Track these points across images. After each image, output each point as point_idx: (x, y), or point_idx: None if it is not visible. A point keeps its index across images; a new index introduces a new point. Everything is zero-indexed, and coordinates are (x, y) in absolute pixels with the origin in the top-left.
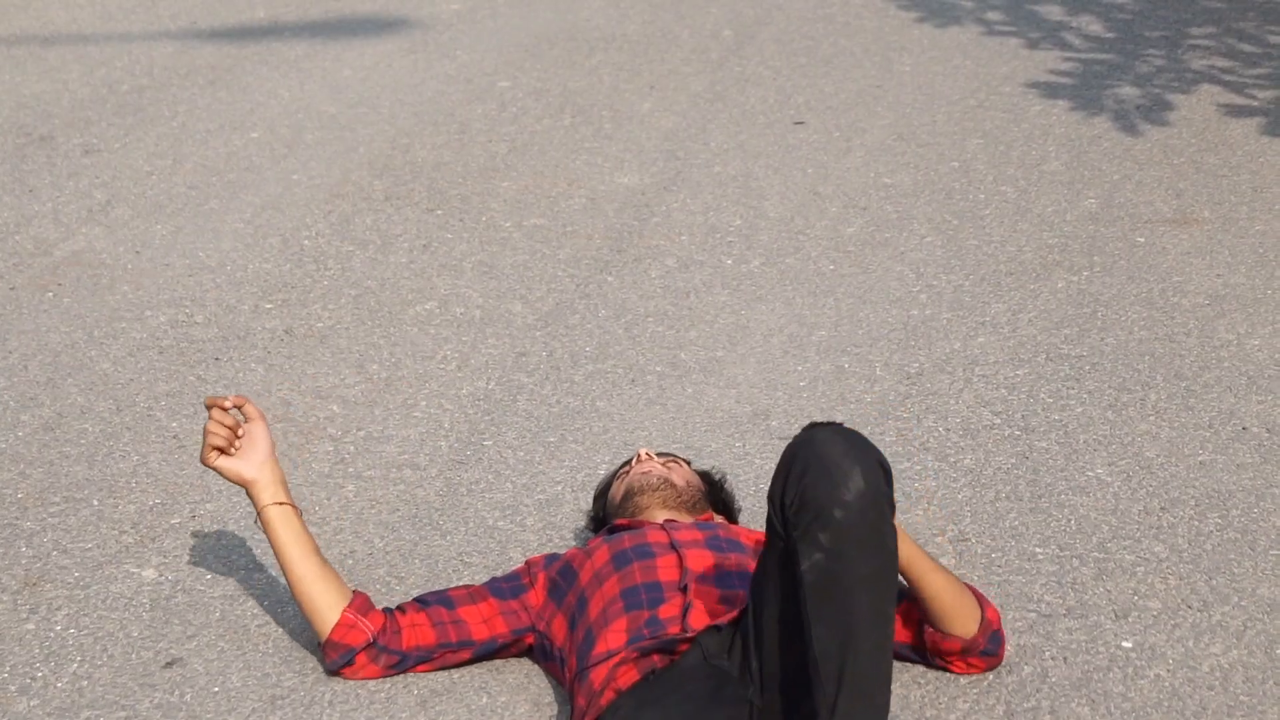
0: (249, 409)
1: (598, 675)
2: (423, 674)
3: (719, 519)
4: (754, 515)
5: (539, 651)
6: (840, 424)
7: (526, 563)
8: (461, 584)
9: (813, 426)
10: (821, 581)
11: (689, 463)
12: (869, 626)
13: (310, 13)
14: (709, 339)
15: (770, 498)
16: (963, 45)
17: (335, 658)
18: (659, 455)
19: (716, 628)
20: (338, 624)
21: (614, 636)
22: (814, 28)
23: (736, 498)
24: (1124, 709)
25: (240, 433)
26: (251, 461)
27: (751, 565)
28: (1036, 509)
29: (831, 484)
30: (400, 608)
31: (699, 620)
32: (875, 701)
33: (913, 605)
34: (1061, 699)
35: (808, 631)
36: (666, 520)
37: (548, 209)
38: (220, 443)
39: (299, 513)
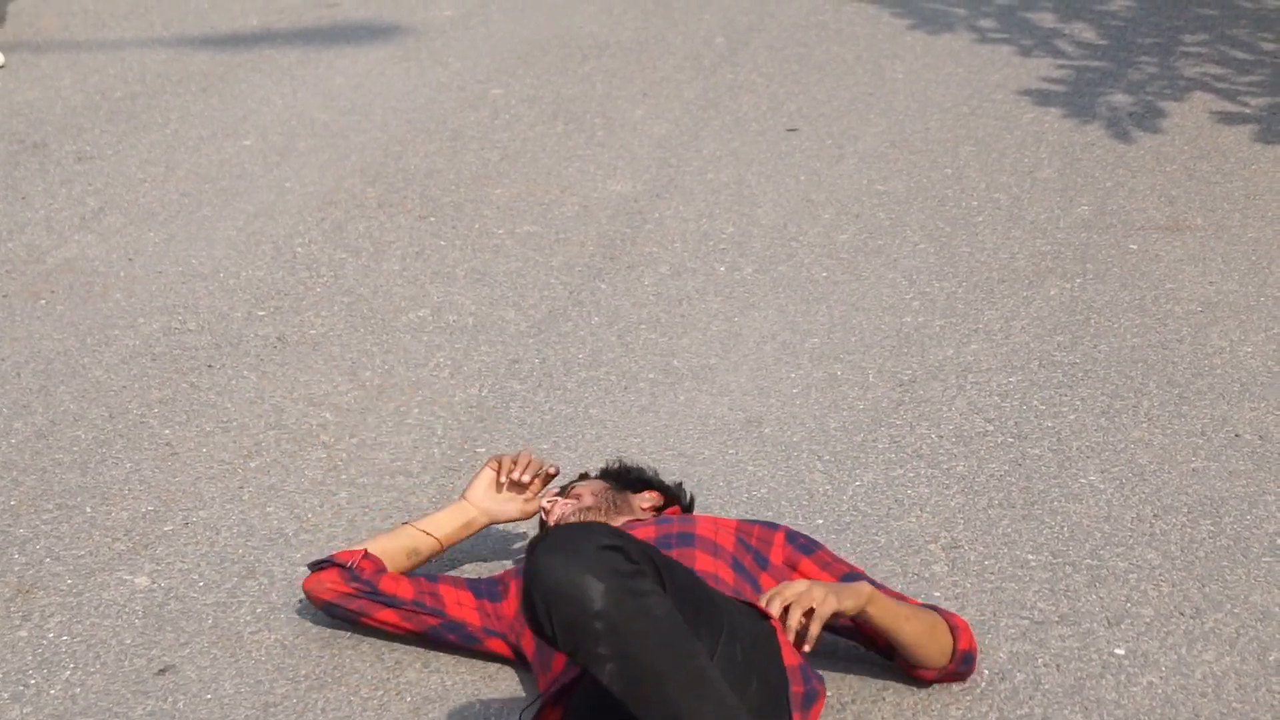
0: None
1: (546, 689)
2: (414, 681)
3: (670, 512)
4: (743, 515)
5: (518, 657)
6: (553, 533)
7: (504, 572)
8: (453, 578)
9: (531, 551)
10: (628, 683)
11: (586, 474)
12: (687, 688)
13: (303, 20)
14: (701, 346)
15: (537, 632)
16: (955, 52)
17: (313, 562)
18: (558, 494)
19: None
20: (343, 552)
21: (557, 663)
22: (806, 35)
23: (643, 465)
24: (1117, 716)
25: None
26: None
27: (698, 558)
28: (1029, 516)
29: (578, 605)
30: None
31: None
32: None
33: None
34: (1054, 706)
35: None
36: (626, 522)
37: (540, 216)
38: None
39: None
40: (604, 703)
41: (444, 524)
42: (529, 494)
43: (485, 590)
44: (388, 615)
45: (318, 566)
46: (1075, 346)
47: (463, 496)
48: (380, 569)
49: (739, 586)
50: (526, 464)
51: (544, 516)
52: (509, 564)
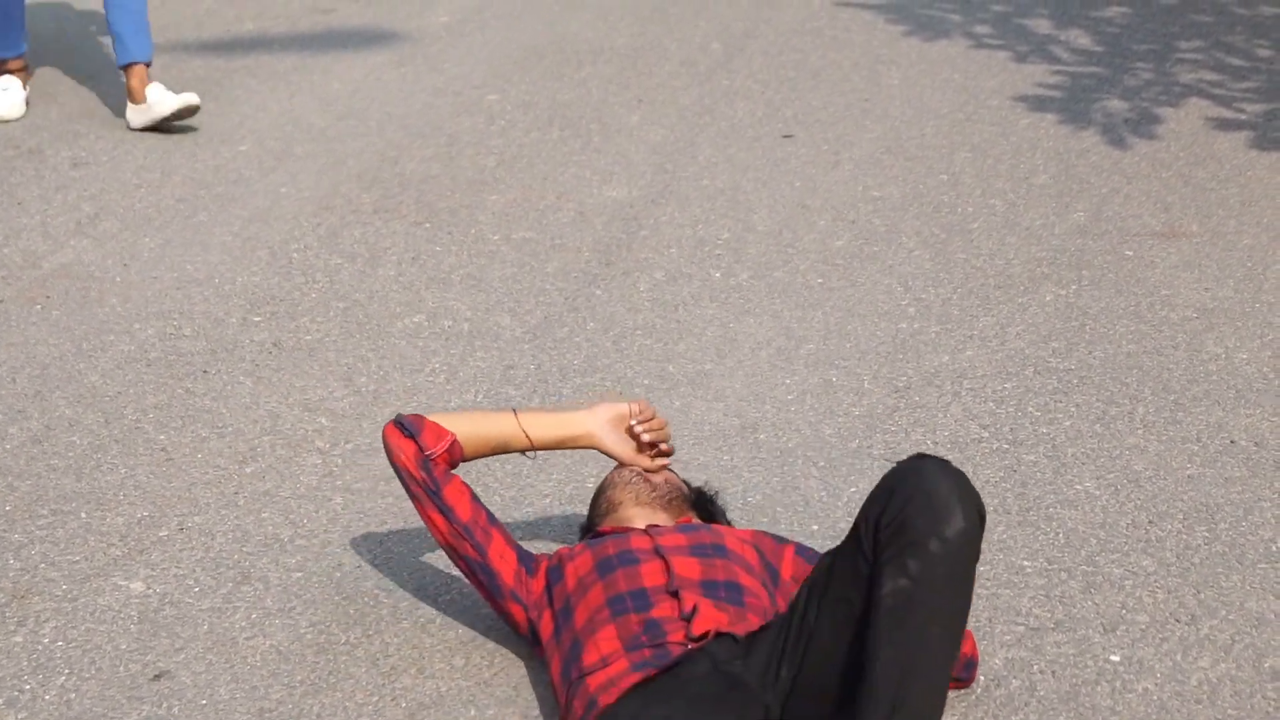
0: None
1: (595, 680)
2: (410, 687)
3: (697, 520)
4: (736, 520)
5: (530, 636)
6: (948, 461)
7: (540, 554)
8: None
9: (921, 457)
10: (901, 607)
11: (681, 479)
12: (936, 660)
13: (299, 26)
14: (697, 352)
15: (865, 517)
16: (951, 59)
17: (403, 417)
18: (654, 459)
19: (733, 637)
20: (435, 426)
21: (605, 643)
22: (802, 41)
23: (725, 513)
24: None
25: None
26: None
27: (739, 573)
28: (1024, 522)
29: (934, 517)
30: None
31: (703, 625)
32: None
33: None
34: (1049, 713)
35: (872, 651)
36: (649, 526)
37: (536, 222)
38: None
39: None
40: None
41: (547, 429)
42: (640, 451)
43: (524, 559)
44: (437, 519)
45: (403, 429)
46: (1070, 353)
47: (589, 408)
48: (455, 462)
49: (775, 602)
50: (660, 430)
51: (646, 475)
52: (544, 547)
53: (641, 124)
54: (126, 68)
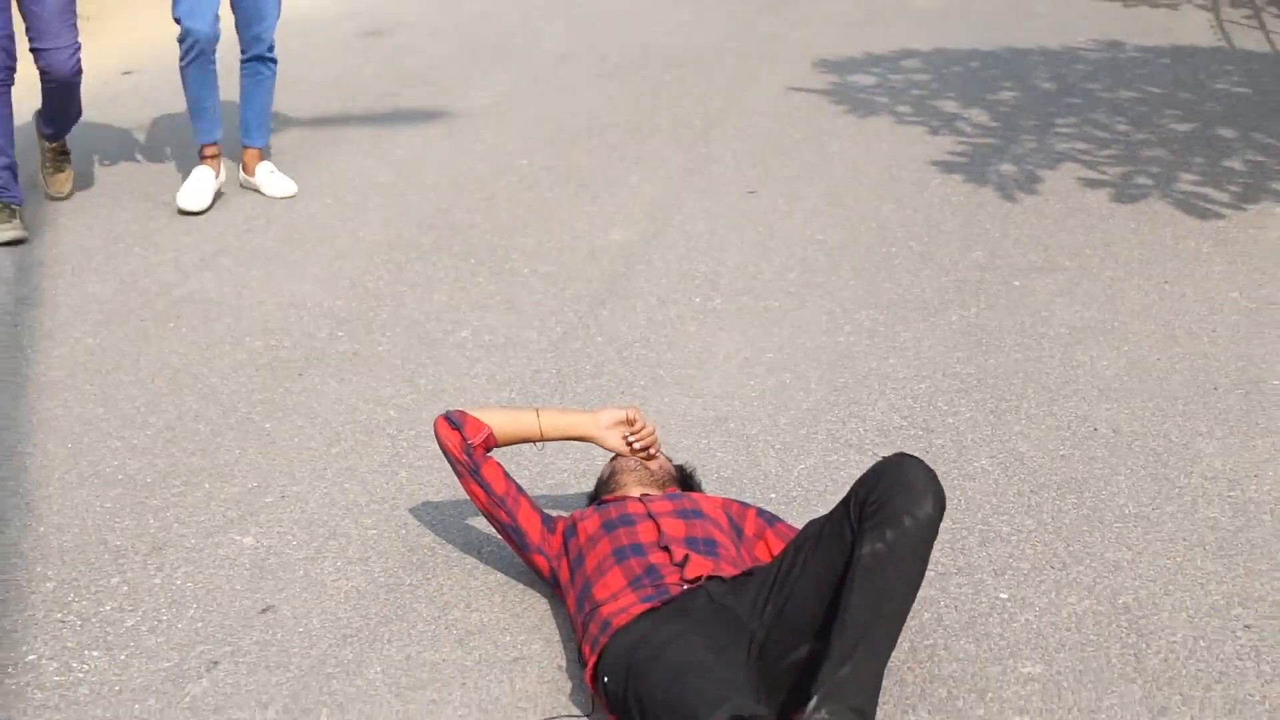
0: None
1: (607, 609)
2: (459, 619)
3: (680, 491)
4: (712, 492)
5: (551, 580)
6: (923, 461)
7: (556, 516)
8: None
9: (903, 455)
10: (876, 566)
11: (669, 460)
12: (897, 609)
13: (372, 106)
14: (681, 360)
15: (854, 495)
16: (879, 132)
17: (450, 413)
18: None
19: (721, 579)
20: (476, 421)
21: (613, 583)
22: (763, 118)
23: (702, 485)
24: (1000, 645)
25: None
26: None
27: (714, 531)
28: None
29: (910, 500)
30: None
31: (696, 570)
32: (880, 665)
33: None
34: (953, 637)
35: (847, 597)
36: (642, 494)
37: (556, 258)
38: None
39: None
40: (655, 634)
41: (560, 428)
42: (631, 449)
43: (545, 521)
44: (477, 491)
45: (450, 422)
46: (971, 360)
47: (594, 413)
48: (490, 448)
49: (740, 554)
50: (650, 437)
51: (644, 460)
52: (557, 514)
53: (639, 182)
54: (246, 148)
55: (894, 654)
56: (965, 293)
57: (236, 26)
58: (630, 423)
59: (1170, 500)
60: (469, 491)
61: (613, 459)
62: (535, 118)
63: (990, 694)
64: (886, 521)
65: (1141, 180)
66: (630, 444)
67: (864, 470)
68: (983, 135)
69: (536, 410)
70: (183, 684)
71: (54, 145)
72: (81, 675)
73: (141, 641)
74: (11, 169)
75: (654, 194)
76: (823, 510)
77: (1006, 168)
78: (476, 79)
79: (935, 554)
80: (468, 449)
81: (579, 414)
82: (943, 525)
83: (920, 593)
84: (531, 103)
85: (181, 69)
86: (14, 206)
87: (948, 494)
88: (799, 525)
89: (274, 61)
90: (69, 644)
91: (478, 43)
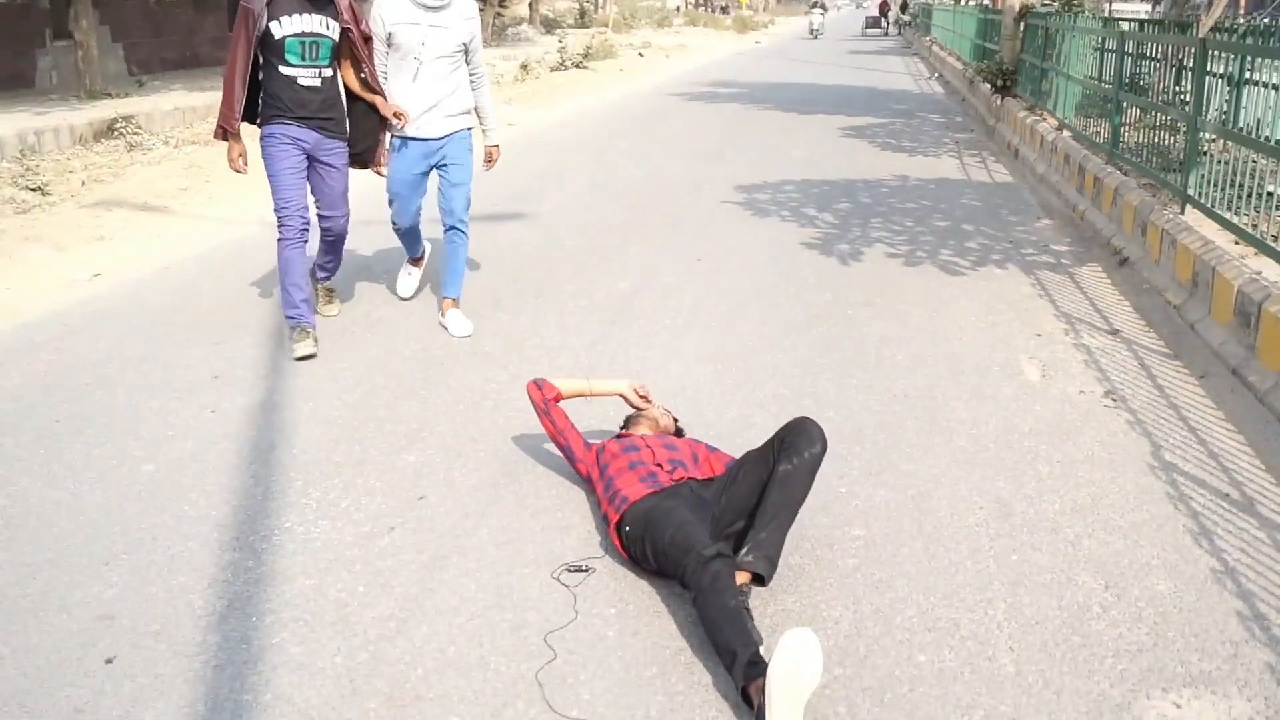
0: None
1: (626, 490)
2: (532, 503)
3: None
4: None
5: (587, 480)
6: (815, 420)
7: (595, 441)
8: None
9: (803, 418)
10: (784, 477)
11: (675, 420)
12: (793, 502)
13: (489, 209)
14: (660, 358)
15: (777, 436)
16: (771, 226)
17: (536, 380)
18: (662, 409)
19: (695, 480)
20: (549, 383)
21: (629, 477)
22: (706, 218)
23: (684, 432)
24: (839, 518)
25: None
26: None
27: (685, 459)
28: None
29: (809, 442)
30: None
31: (680, 474)
32: (783, 535)
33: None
34: (812, 515)
35: (767, 493)
36: (644, 435)
37: (589, 298)
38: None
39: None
40: (658, 508)
41: (600, 389)
42: (636, 399)
43: (587, 445)
44: (547, 424)
45: (536, 384)
46: (823, 357)
47: (620, 380)
48: (559, 399)
49: (702, 469)
50: (647, 394)
51: (646, 407)
52: (593, 441)
53: (635, 254)
54: (443, 297)
55: (792, 531)
56: (820, 318)
57: (440, 206)
58: (640, 388)
59: (937, 435)
60: (543, 425)
61: (636, 412)
62: (577, 217)
63: (835, 547)
64: (794, 452)
65: (920, 253)
66: (641, 396)
67: (764, 419)
68: (829, 228)
69: (587, 377)
70: (374, 540)
71: (326, 285)
72: (315, 534)
73: (350, 515)
74: (309, 301)
75: (643, 261)
76: (741, 443)
77: (843, 246)
78: (550, 192)
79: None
80: (545, 401)
81: (611, 380)
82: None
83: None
84: (575, 208)
85: (395, 231)
86: (308, 329)
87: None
88: (732, 454)
89: (466, 232)
90: (309, 516)
91: (547, 170)
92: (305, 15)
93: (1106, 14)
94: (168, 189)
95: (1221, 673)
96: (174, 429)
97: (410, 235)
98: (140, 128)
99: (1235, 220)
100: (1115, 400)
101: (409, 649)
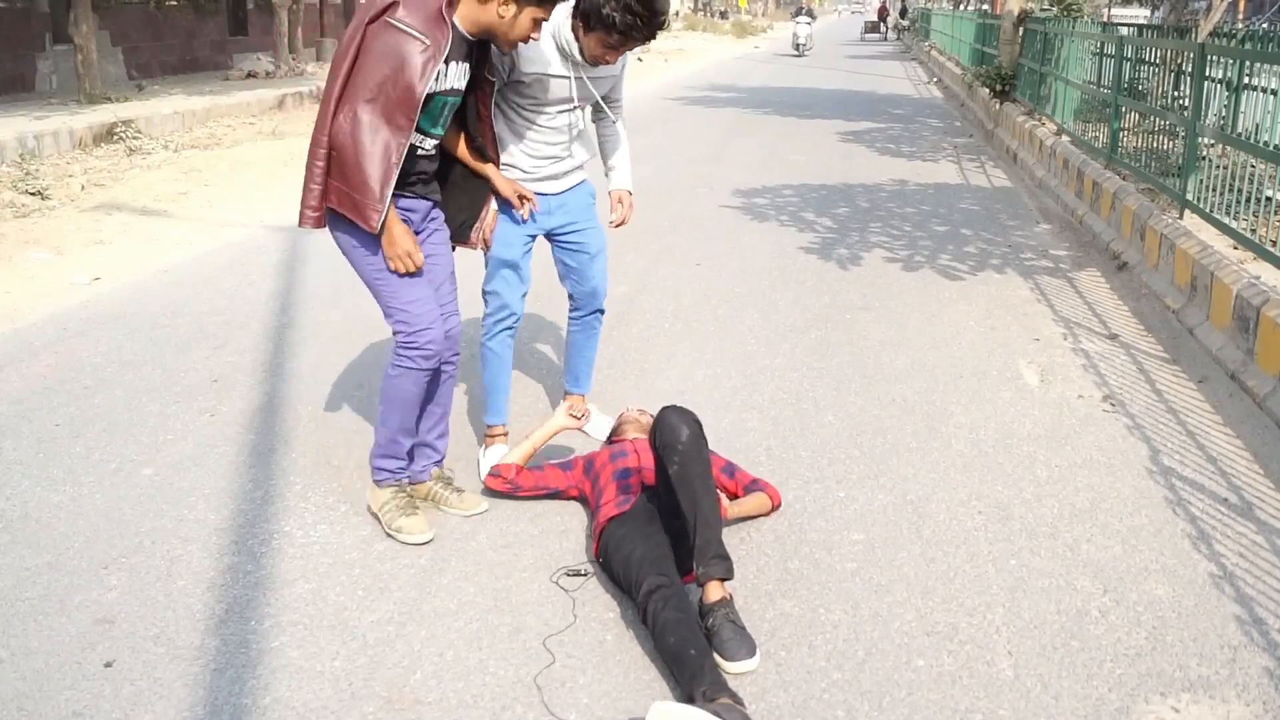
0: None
1: (604, 511)
2: (531, 514)
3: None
4: None
5: (580, 498)
6: (677, 405)
7: (574, 457)
8: (552, 464)
9: (664, 409)
10: (678, 476)
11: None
12: (703, 495)
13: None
14: (658, 358)
15: (651, 444)
16: (770, 230)
17: (493, 469)
18: (639, 410)
19: (654, 488)
20: (506, 466)
21: (609, 493)
22: (706, 222)
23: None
24: (839, 522)
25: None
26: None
27: None
28: (804, 431)
29: (674, 435)
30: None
31: (648, 478)
32: (715, 531)
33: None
34: (810, 519)
35: (678, 496)
36: (634, 438)
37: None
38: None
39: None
40: (637, 521)
41: (544, 432)
42: (572, 421)
43: (563, 468)
44: (525, 495)
45: (493, 474)
46: (821, 361)
47: (549, 421)
48: (519, 472)
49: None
50: (525, 194)
51: (628, 411)
52: (575, 456)
53: (634, 258)
54: (569, 393)
55: (791, 534)
56: (818, 322)
57: (570, 283)
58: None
59: (935, 439)
60: (524, 496)
61: (622, 415)
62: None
63: (833, 551)
64: (671, 451)
65: (918, 258)
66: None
67: (761, 423)
68: (828, 232)
69: (527, 435)
70: (373, 544)
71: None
72: (315, 538)
73: (349, 519)
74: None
75: (643, 265)
76: (739, 447)
77: (841, 250)
78: None
79: (798, 467)
80: (509, 481)
81: (549, 421)
82: (804, 450)
83: (790, 495)
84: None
85: (483, 344)
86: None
87: (806, 441)
88: (728, 457)
89: (603, 313)
90: (308, 520)
91: None
92: (462, 64)
93: (1105, 19)
94: (167, 193)
95: (1220, 677)
96: (173, 432)
97: (504, 352)
98: (140, 132)
99: (1234, 225)
100: (1114, 405)
101: (408, 653)
